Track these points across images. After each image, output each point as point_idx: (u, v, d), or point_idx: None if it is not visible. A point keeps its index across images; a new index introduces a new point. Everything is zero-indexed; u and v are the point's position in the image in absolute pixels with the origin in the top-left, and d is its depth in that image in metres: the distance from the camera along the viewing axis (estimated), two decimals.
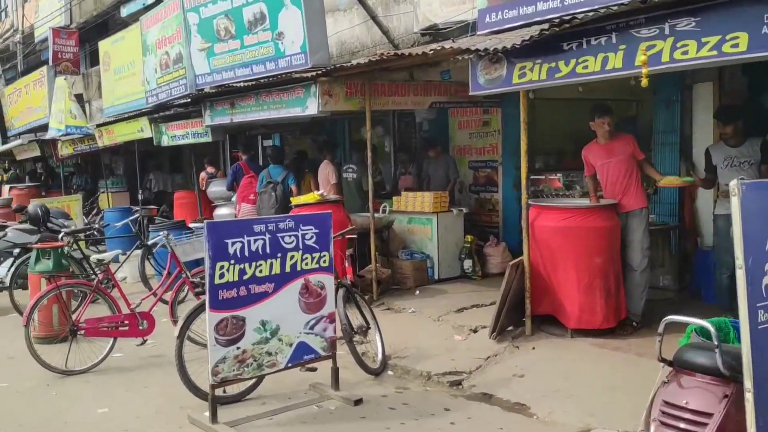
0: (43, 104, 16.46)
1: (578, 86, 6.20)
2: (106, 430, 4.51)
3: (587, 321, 5.61)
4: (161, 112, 10.42)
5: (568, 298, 5.67)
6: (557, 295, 5.75)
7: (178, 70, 9.49)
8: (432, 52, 5.51)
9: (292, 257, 4.66)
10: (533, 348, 5.55)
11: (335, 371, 4.92)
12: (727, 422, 2.75)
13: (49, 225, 8.61)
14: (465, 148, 9.75)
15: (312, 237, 4.76)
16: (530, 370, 5.16)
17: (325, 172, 9.41)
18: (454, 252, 8.41)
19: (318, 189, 9.61)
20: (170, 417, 4.65)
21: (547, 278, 5.79)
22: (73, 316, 5.73)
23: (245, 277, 4.44)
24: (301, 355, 4.73)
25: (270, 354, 4.56)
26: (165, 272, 6.36)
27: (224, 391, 4.62)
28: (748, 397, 2.45)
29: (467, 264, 8.34)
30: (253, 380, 4.77)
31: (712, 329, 2.80)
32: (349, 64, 6.78)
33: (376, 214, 8.32)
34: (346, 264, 5.82)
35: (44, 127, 16.49)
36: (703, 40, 4.04)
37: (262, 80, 7.69)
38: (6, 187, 16.09)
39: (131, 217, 8.78)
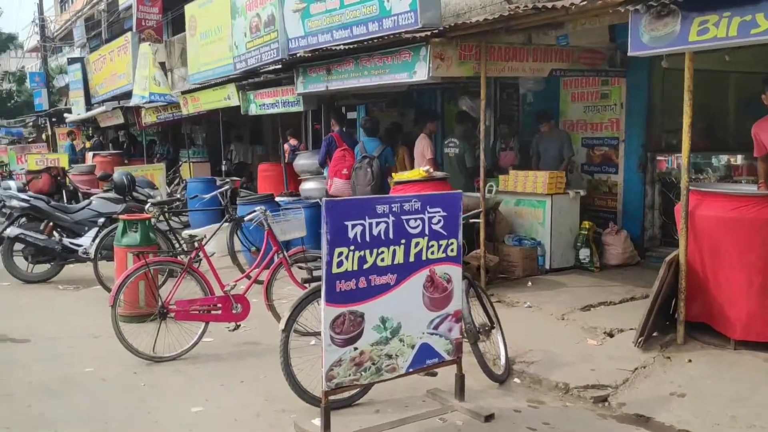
0: (126, 71, 16.31)
1: (727, 54, 5.17)
2: None
3: (759, 332, 4.67)
4: (250, 79, 9.86)
5: (733, 302, 4.74)
6: (717, 299, 4.84)
7: (270, 33, 8.87)
8: (586, 2, 4.61)
9: (417, 244, 3.94)
10: (689, 361, 4.67)
11: (460, 379, 4.20)
12: None
13: (135, 194, 8.23)
14: (578, 123, 8.77)
15: (439, 221, 4.02)
16: (691, 388, 4.30)
17: (421, 145, 8.63)
18: (568, 239, 7.53)
19: (412, 164, 8.91)
20: (273, 422, 4.05)
21: (705, 278, 4.88)
22: (163, 296, 5.20)
23: (365, 267, 3.74)
24: (424, 359, 4.02)
25: (390, 357, 3.87)
26: (261, 251, 5.76)
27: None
28: None
29: (584, 253, 7.45)
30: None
31: None
32: (472, 21, 5.94)
33: (477, 194, 7.55)
34: None
35: (127, 95, 16.35)
36: None
37: (365, 42, 6.94)
38: (89, 154, 16.07)
39: (219, 189, 8.27)
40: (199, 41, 11.54)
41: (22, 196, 8.18)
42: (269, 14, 8.86)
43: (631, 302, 6.11)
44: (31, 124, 30.75)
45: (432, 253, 4.01)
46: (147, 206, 7.43)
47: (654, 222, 8.08)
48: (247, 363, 5.08)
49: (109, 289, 6.91)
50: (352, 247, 3.69)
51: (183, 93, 12.25)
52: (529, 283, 6.89)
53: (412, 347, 3.96)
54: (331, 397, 3.75)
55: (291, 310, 4.14)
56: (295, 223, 5.73)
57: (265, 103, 9.75)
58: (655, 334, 5.02)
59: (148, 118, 14.43)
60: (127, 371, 4.93)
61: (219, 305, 5.33)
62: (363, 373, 3.79)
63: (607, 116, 8.44)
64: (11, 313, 6.56)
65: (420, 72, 6.54)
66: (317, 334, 4.11)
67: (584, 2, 4.61)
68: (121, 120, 16.20)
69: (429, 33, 6.29)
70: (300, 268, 5.66)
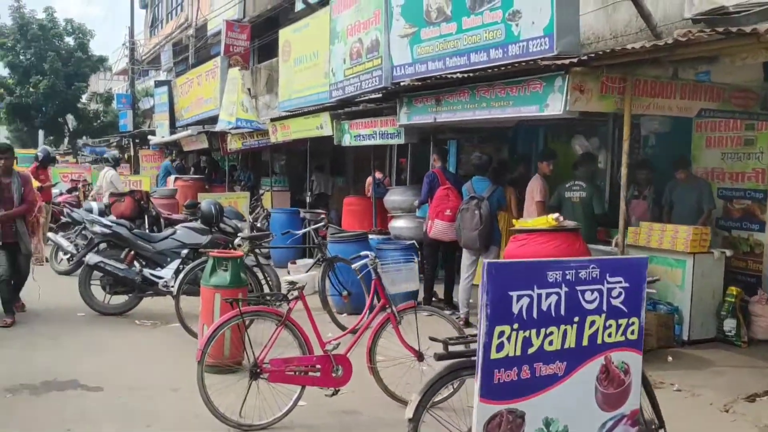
0: (213, 96, 16.15)
1: None
2: None
3: None
4: (346, 108, 9.25)
5: None
6: None
7: (372, 60, 8.25)
8: None
9: (592, 323, 3.06)
10: None
11: None
12: None
13: (222, 225, 7.65)
14: (714, 172, 7.71)
15: (620, 294, 3.14)
16: None
17: (531, 187, 7.75)
18: (710, 306, 6.48)
19: (519, 208, 8.04)
20: None
21: None
22: (256, 353, 4.47)
23: (530, 351, 2.89)
24: None
25: None
26: (367, 303, 4.99)
27: None
28: None
29: (729, 324, 6.37)
30: None
31: None
32: (624, 48, 5.09)
33: (608, 248, 6.61)
34: None
35: (212, 119, 16.17)
36: None
37: (489, 70, 6.18)
38: (171, 178, 15.87)
39: (315, 226, 7.59)
40: (293, 67, 11.07)
41: (105, 221, 7.72)
42: (373, 39, 8.25)
43: None
44: (114, 144, 31.46)
45: (609, 335, 3.12)
46: (236, 240, 6.82)
47: None
48: None
49: (190, 331, 6.32)
50: (516, 326, 2.84)
51: (272, 120, 11.77)
52: (670, 358, 5.85)
53: None
54: None
55: (422, 393, 3.30)
56: (407, 274, 4.94)
57: (360, 134, 9.10)
58: None
59: (233, 144, 14.09)
60: None
61: (318, 366, 4.56)
62: None
63: (751, 165, 7.38)
64: (85, 352, 6.00)
65: (553, 105, 5.71)
66: None
67: None
68: (205, 144, 15.98)
69: (569, 62, 5.48)
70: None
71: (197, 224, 7.78)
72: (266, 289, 7.13)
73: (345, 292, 7.17)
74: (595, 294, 3.06)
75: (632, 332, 3.19)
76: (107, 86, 40.05)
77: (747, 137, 7.42)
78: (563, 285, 2.96)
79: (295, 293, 4.66)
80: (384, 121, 8.49)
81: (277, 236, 8.90)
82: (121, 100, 28.30)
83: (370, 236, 8.62)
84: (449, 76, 6.79)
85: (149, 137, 22.25)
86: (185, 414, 4.58)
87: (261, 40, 17.51)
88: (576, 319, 3.01)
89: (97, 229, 7.53)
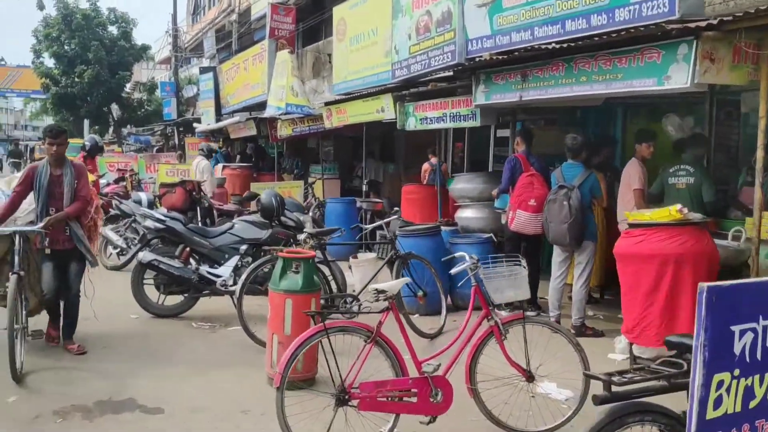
0: (261, 80, 15.54)
1: None
2: None
3: None
4: (412, 89, 8.48)
5: None
6: None
7: (443, 34, 7.48)
8: None
9: None
10: None
11: None
12: None
13: (282, 219, 6.98)
14: None
15: None
16: None
17: (628, 172, 6.85)
18: None
19: (608, 195, 7.15)
20: None
21: None
22: (343, 376, 3.77)
23: (751, 405, 2.13)
24: None
25: None
26: (467, 315, 4.23)
27: None
28: None
29: None
30: None
31: None
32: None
33: (725, 243, 5.72)
34: None
35: (260, 105, 15.55)
36: None
37: (596, 38, 5.34)
38: (219, 166, 15.31)
39: (387, 219, 6.85)
40: (349, 47, 10.34)
41: (157, 215, 7.13)
42: (444, 11, 7.47)
43: None
44: (159, 132, 31.29)
45: None
46: (302, 236, 6.13)
47: None
48: None
49: (254, 337, 5.70)
50: (737, 372, 2.07)
51: (326, 104, 11.05)
52: None
53: None
54: None
55: None
56: (515, 281, 4.19)
57: (428, 116, 8.32)
58: None
59: (283, 131, 13.42)
60: None
61: (414, 390, 3.85)
62: None
63: None
64: (140, 363, 5.41)
65: (677, 77, 4.85)
66: None
67: None
68: (253, 131, 15.36)
69: (696, 26, 4.61)
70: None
71: (256, 218, 7.14)
72: (334, 288, 6.47)
73: (420, 293, 6.45)
74: None
75: None
76: (150, 75, 39.95)
77: None
78: None
79: (386, 303, 3.95)
80: (456, 101, 7.69)
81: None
82: (165, 87, 28.03)
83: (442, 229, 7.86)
84: (542, 46, 5.96)
85: (195, 125, 21.83)
86: None
87: (306, 23, 16.82)
88: None
89: (150, 224, 6.95)
